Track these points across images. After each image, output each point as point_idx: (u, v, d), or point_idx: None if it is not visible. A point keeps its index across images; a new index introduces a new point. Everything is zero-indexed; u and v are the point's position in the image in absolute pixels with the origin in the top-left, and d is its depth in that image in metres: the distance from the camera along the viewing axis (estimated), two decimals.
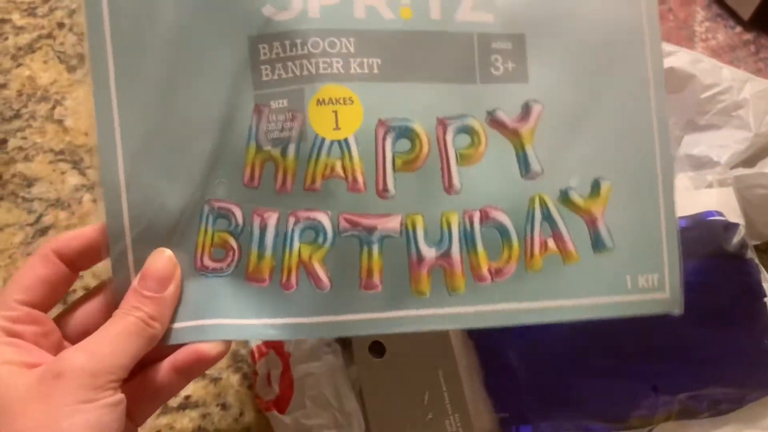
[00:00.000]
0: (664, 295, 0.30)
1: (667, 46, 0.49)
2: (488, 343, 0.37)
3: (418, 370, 0.36)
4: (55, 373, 0.25)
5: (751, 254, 0.40)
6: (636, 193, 0.30)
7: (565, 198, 0.30)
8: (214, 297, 0.28)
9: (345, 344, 0.39)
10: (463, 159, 0.29)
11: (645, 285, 0.30)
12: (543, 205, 0.30)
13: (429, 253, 0.28)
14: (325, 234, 0.28)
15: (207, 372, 0.42)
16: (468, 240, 0.29)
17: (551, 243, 0.30)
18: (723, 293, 0.38)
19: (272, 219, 0.28)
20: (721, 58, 0.71)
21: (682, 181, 0.45)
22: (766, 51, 0.71)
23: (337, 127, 0.27)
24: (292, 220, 0.28)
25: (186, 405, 0.42)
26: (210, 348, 0.29)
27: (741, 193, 0.44)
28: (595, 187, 0.30)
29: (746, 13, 0.64)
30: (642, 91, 0.30)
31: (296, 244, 0.28)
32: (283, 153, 0.28)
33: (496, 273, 0.29)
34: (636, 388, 0.37)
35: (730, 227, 0.39)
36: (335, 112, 0.27)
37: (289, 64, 0.28)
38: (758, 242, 0.45)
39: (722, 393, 0.38)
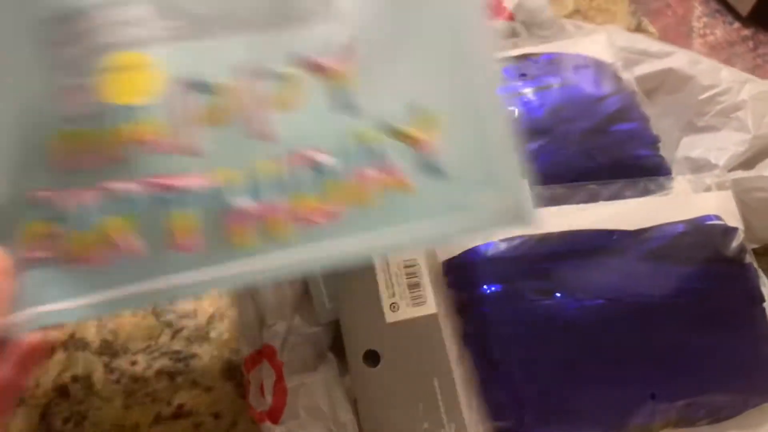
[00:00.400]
0: (509, 209, 0.29)
1: (665, 47, 0.48)
2: (485, 352, 0.36)
3: (414, 380, 0.35)
4: None
5: (750, 259, 0.40)
6: (465, 118, 0.30)
7: (391, 130, 0.29)
8: (44, 286, 0.28)
9: (340, 354, 0.38)
10: (279, 105, 0.28)
11: (487, 202, 0.29)
12: (369, 140, 0.29)
13: (248, 205, 0.28)
14: (136, 201, 0.28)
15: (200, 381, 0.42)
16: (291, 186, 0.28)
17: (384, 176, 0.29)
18: (722, 299, 0.38)
19: (86, 197, 0.28)
20: (719, 54, 0.70)
21: (681, 184, 0.45)
22: (764, 47, 0.71)
23: (134, 94, 0.27)
24: (102, 194, 0.28)
25: (179, 414, 0.41)
26: (33, 337, 0.28)
27: (739, 196, 0.44)
28: (422, 116, 0.29)
29: (744, 9, 0.64)
30: (456, 21, 0.30)
31: (109, 217, 0.28)
32: (87, 129, 0.28)
33: (328, 215, 0.28)
34: (634, 396, 0.37)
35: (728, 232, 0.39)
36: (131, 78, 0.27)
37: (83, 40, 0.27)
38: (757, 246, 0.44)
39: (721, 400, 0.37)
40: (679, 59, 0.48)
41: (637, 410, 0.36)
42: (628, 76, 0.47)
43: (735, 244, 0.38)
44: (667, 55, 0.48)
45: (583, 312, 0.35)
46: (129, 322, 0.43)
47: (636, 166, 0.43)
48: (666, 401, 0.37)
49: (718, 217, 0.40)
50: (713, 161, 0.45)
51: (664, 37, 0.62)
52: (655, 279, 0.37)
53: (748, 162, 0.45)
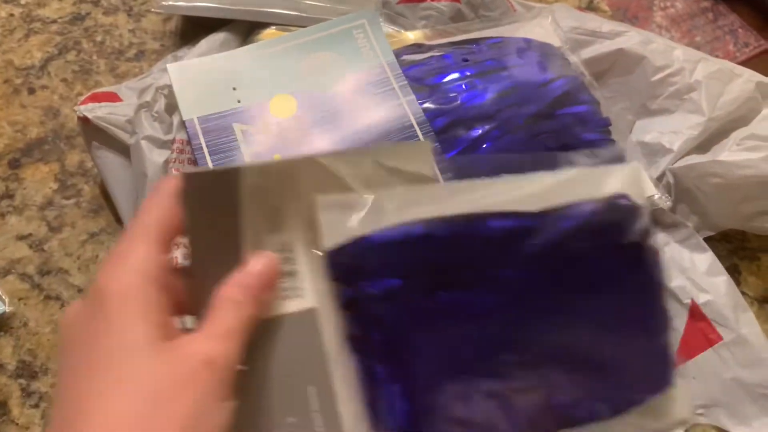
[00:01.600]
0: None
1: (617, 26, 0.46)
2: (373, 357, 0.30)
3: (284, 388, 0.29)
4: (207, 361, 0.23)
5: (655, 243, 0.35)
6: None
7: None
8: None
9: None
10: None
11: None
12: None
13: None
14: None
15: None
16: None
17: None
18: (622, 287, 0.34)
19: None
20: (679, 26, 0.70)
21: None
22: (724, 18, 0.71)
23: None
24: None
25: None
26: None
27: (694, 182, 0.42)
28: None
29: None
30: None
31: None
32: None
33: None
34: (533, 398, 0.33)
35: (632, 211, 0.34)
36: None
37: None
38: (712, 233, 0.42)
39: (620, 396, 0.34)
40: (630, 39, 0.45)
41: (535, 411, 0.33)
42: (576, 59, 0.45)
43: (639, 225, 0.33)
44: (619, 35, 0.46)
45: (482, 309, 0.32)
46: (48, 341, 0.40)
47: (586, 150, 0.40)
48: (565, 400, 0.34)
49: (625, 196, 0.35)
50: (667, 146, 0.43)
51: (625, 10, 0.60)
52: (557, 271, 0.33)
53: (703, 145, 0.43)
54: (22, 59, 0.48)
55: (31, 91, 0.46)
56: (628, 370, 0.34)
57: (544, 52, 0.44)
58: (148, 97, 0.40)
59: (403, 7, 0.48)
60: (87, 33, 0.49)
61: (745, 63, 0.57)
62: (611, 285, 0.33)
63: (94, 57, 0.48)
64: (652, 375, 0.35)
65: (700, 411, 0.37)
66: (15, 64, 0.47)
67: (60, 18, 0.49)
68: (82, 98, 0.41)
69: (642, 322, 0.34)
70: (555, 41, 0.45)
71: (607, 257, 0.33)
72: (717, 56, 0.54)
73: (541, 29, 0.46)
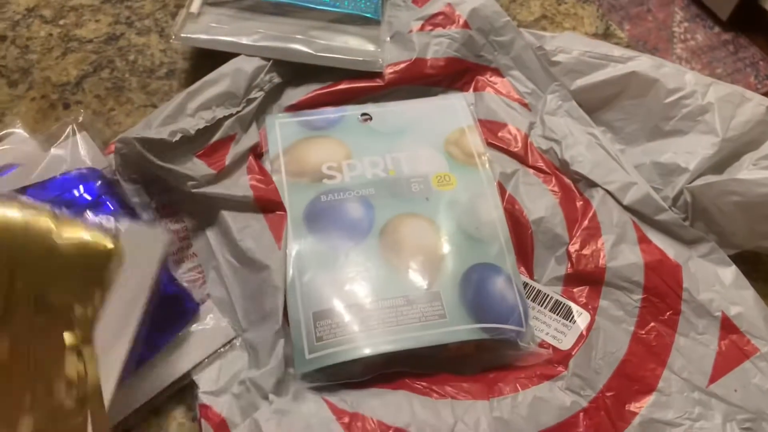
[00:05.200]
0: None
1: (628, 51, 0.47)
2: None
3: None
4: None
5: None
6: None
7: None
8: None
9: None
10: None
11: None
12: None
13: None
14: None
15: None
16: None
17: None
18: None
19: None
20: (700, 58, 0.70)
21: (639, 191, 0.43)
22: (744, 51, 0.71)
23: None
24: None
25: None
26: None
27: (713, 201, 0.42)
28: None
29: (724, 14, 0.63)
30: None
31: None
32: None
33: None
34: None
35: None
36: None
37: None
38: (731, 252, 0.42)
39: None
40: (642, 63, 0.46)
41: None
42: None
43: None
44: (630, 59, 0.47)
45: None
46: None
47: None
48: None
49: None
50: (683, 165, 0.44)
51: (645, 42, 0.61)
52: None
53: (717, 166, 0.44)
54: (59, 76, 0.50)
55: (66, 106, 0.49)
56: None
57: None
58: None
59: (416, 34, 0.49)
60: (120, 52, 0.51)
61: (767, 96, 0.57)
62: None
63: (127, 75, 0.50)
64: None
65: (746, 425, 0.37)
66: (52, 81, 0.50)
67: (96, 38, 0.52)
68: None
69: None
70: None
71: None
72: None
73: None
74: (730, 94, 0.44)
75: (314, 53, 0.48)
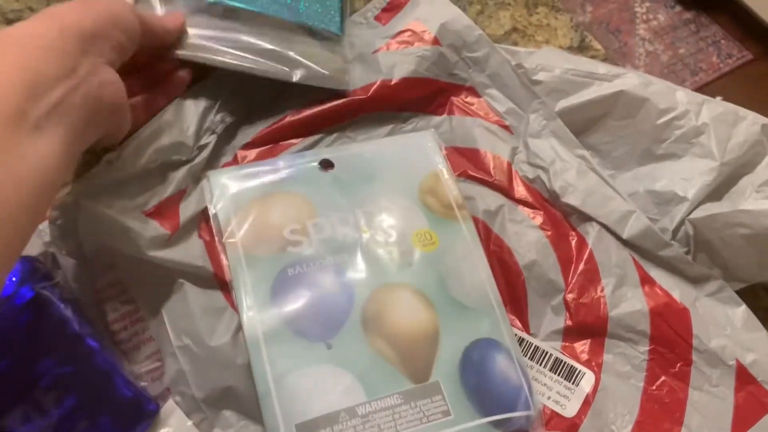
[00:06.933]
0: None
1: (612, 68, 0.43)
2: None
3: None
4: None
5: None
6: None
7: None
8: None
9: None
10: None
11: None
12: None
13: None
14: None
15: None
16: None
17: None
18: None
19: None
20: (662, 39, 0.69)
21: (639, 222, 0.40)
22: (706, 29, 0.69)
23: None
24: None
25: None
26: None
27: (718, 233, 0.39)
28: None
29: None
30: None
31: None
32: None
33: None
34: None
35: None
36: None
37: None
38: (737, 288, 0.39)
39: None
40: (630, 81, 0.43)
41: None
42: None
43: None
44: (616, 76, 0.43)
45: None
46: None
47: None
48: None
49: None
50: (681, 194, 0.41)
51: (607, 23, 0.57)
52: None
53: (715, 192, 0.41)
54: None
55: None
56: None
57: None
58: None
59: (382, 54, 0.44)
60: None
61: (729, 74, 0.55)
62: None
63: None
64: None
65: None
66: None
67: None
68: None
69: None
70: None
71: None
72: (701, 68, 0.53)
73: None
74: (724, 113, 0.41)
75: (285, 69, 0.42)
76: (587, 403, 0.36)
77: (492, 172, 0.43)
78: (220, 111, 0.41)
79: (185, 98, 0.41)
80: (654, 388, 0.36)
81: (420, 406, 0.32)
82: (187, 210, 0.39)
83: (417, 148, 0.43)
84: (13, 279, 0.33)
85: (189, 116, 0.40)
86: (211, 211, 0.38)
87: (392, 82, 0.43)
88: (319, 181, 0.40)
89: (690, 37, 0.75)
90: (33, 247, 0.38)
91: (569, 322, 0.38)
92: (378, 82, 0.43)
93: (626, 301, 0.38)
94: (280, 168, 0.41)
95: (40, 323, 0.33)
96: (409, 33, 0.45)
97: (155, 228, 0.37)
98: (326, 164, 0.41)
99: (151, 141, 0.39)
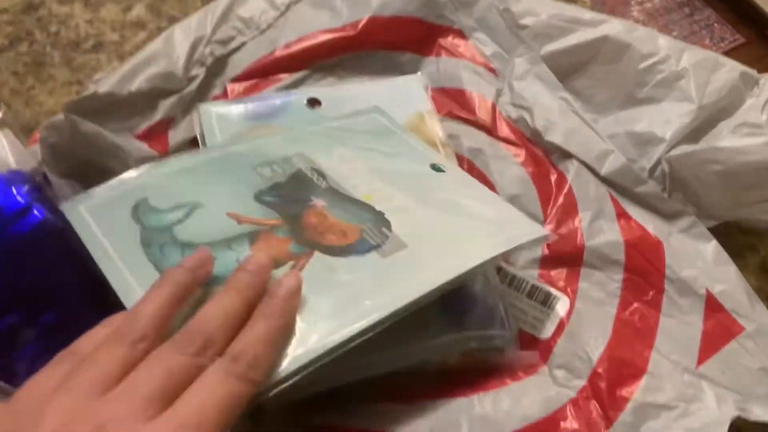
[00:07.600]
0: None
1: (597, 15, 0.44)
2: None
3: None
4: None
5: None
6: None
7: None
8: None
9: None
10: None
11: None
12: None
13: None
14: None
15: None
16: None
17: None
18: None
19: None
20: (656, 21, 0.69)
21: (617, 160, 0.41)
22: (700, 13, 0.70)
23: None
24: None
25: None
26: None
27: (692, 171, 0.40)
28: None
29: None
30: None
31: None
32: None
33: None
34: None
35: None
36: None
37: None
38: (710, 224, 0.40)
39: None
40: (613, 27, 0.44)
41: None
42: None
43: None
44: (601, 22, 0.44)
45: None
46: None
47: None
48: None
49: None
50: (659, 134, 0.42)
51: (602, 4, 0.58)
52: None
53: (692, 135, 0.42)
54: None
55: None
56: None
57: None
58: None
59: None
60: (40, 23, 0.46)
61: None
62: None
63: (48, 49, 0.45)
64: None
65: (739, 406, 0.35)
66: None
67: (11, 6, 0.46)
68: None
69: None
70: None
71: None
72: None
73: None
74: (704, 60, 0.42)
75: None
76: (561, 326, 0.37)
77: (477, 111, 0.44)
78: (210, 43, 0.42)
79: (175, 29, 0.42)
80: (627, 313, 0.37)
81: None
82: (175, 137, 0.40)
83: (404, 89, 0.45)
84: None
85: (178, 47, 0.41)
86: (200, 141, 0.39)
87: (381, 20, 0.44)
88: (306, 118, 0.41)
89: (683, 20, 0.75)
90: (27, 166, 0.39)
91: (546, 252, 0.39)
92: (366, 18, 0.44)
93: (602, 233, 0.39)
94: (269, 103, 0.42)
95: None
96: None
97: (144, 149, 0.38)
98: (314, 102, 0.42)
99: (141, 68, 0.40)
